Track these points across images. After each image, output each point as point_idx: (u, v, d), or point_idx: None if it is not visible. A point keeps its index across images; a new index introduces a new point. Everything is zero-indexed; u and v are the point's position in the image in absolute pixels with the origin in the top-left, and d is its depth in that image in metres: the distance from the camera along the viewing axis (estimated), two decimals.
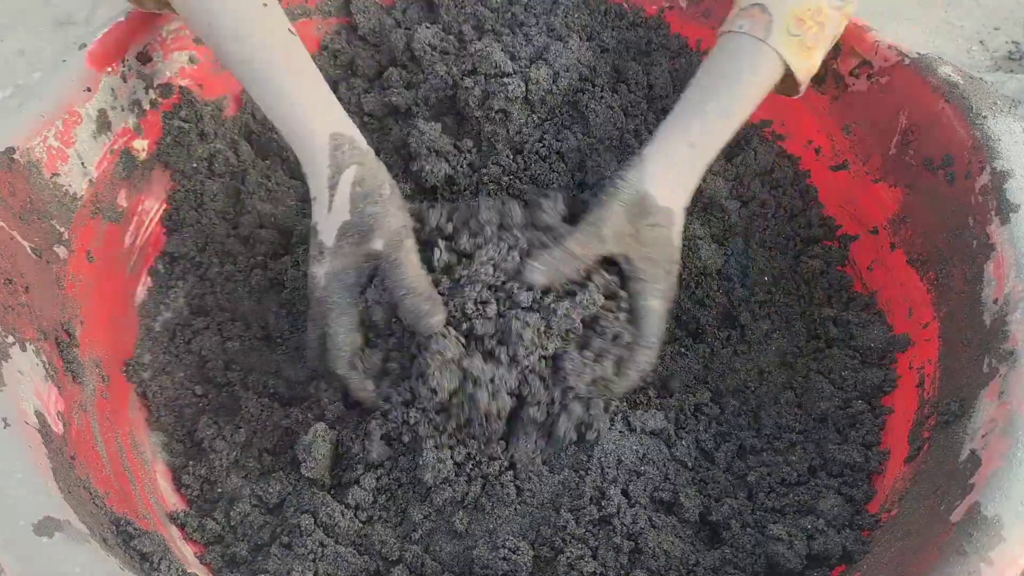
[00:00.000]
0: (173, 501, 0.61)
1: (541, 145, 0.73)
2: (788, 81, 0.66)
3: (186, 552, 0.57)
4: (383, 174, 0.64)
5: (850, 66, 0.72)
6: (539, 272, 0.61)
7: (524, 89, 0.71)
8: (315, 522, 0.57)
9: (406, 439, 0.60)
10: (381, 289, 0.62)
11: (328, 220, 0.62)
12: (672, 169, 0.64)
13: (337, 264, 0.62)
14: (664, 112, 0.77)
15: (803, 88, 0.67)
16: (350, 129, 0.63)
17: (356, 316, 0.62)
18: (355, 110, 0.79)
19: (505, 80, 0.71)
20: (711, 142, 0.65)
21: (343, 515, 0.57)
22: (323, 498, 0.58)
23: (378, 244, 0.61)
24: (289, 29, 0.63)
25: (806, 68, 0.65)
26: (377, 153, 0.65)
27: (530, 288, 0.61)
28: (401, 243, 0.62)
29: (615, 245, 0.63)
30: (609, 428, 0.62)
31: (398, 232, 0.62)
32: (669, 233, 0.65)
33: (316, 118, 0.62)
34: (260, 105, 0.63)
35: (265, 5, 0.62)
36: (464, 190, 0.74)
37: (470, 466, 0.60)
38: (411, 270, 0.61)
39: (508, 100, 0.71)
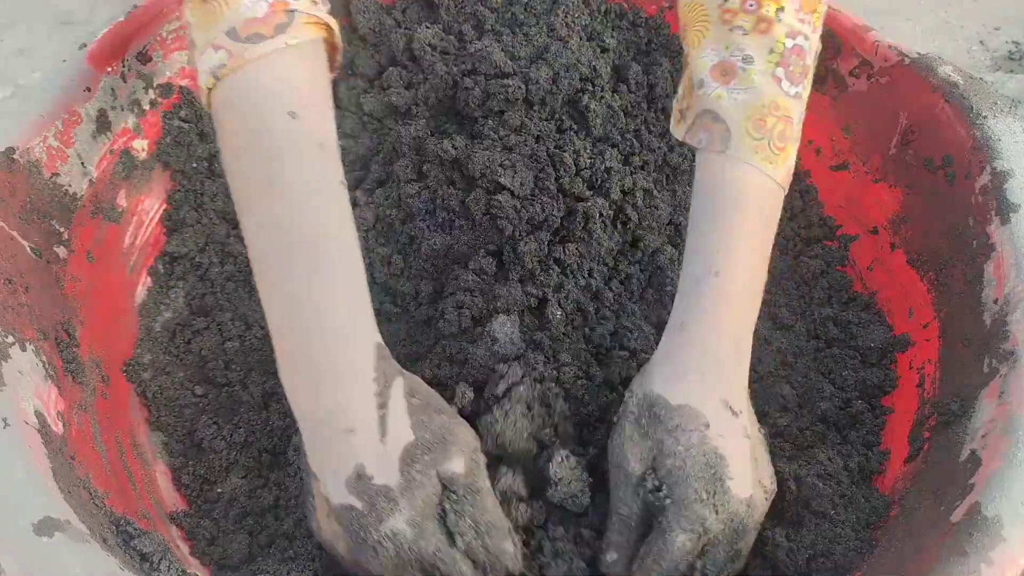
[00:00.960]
0: (173, 501, 0.61)
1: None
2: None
3: (186, 552, 0.57)
4: (424, 384, 0.52)
5: (850, 66, 0.72)
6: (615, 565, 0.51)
7: (524, 90, 0.71)
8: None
9: None
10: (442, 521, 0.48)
11: (384, 451, 0.47)
12: (680, 357, 0.52)
13: (417, 502, 0.46)
14: (664, 112, 0.77)
15: (784, 190, 0.54)
16: (379, 338, 0.49)
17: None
18: (355, 110, 0.78)
19: (505, 80, 0.71)
20: (710, 311, 0.51)
21: None
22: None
23: (458, 465, 0.48)
24: (341, 181, 0.49)
25: (782, 175, 0.52)
26: (376, 153, 0.63)
27: None
28: (479, 464, 0.50)
29: (642, 469, 0.50)
30: None
31: (475, 449, 0.50)
32: (701, 437, 0.49)
33: (357, 325, 0.48)
34: (266, 280, 0.47)
35: (321, 147, 0.48)
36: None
37: None
38: (492, 500, 0.49)
39: (508, 101, 0.71)
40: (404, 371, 0.50)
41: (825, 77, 0.74)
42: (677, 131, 0.55)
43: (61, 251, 0.60)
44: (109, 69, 0.66)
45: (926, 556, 0.45)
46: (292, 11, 0.47)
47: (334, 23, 0.51)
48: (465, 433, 0.51)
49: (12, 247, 0.55)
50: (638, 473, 0.51)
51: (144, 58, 0.69)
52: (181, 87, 0.73)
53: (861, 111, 0.73)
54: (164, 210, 0.72)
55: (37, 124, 0.60)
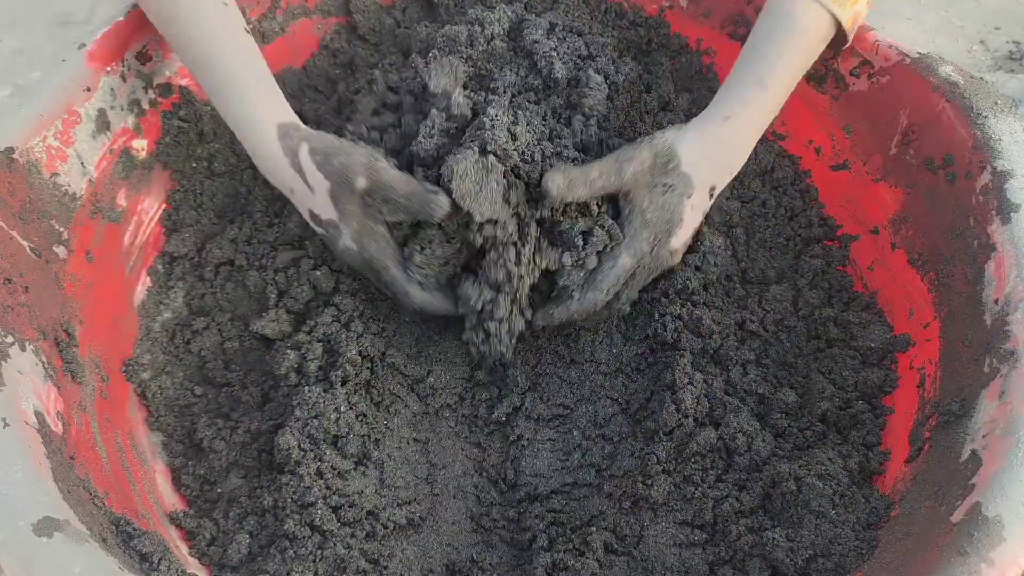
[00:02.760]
0: (172, 501, 0.61)
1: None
2: (837, 33, 0.65)
3: (185, 552, 0.57)
4: (328, 135, 0.65)
5: (850, 66, 0.72)
6: (556, 187, 0.60)
7: None
8: (311, 526, 0.57)
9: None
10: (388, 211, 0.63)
11: (317, 200, 0.63)
12: (706, 139, 0.64)
13: (353, 225, 0.62)
14: (664, 110, 0.77)
15: (851, 37, 0.65)
16: (291, 116, 0.65)
17: (399, 251, 0.64)
18: None
19: None
20: (749, 114, 0.64)
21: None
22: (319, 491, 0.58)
23: (361, 182, 0.61)
24: (245, 29, 0.66)
25: (851, 16, 0.63)
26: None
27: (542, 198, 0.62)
28: (375, 165, 0.61)
29: (630, 186, 0.63)
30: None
31: (368, 159, 0.62)
32: (679, 200, 0.63)
33: (264, 111, 0.64)
34: (213, 101, 0.65)
35: (225, 4, 0.65)
36: None
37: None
38: (394, 174, 0.61)
39: None
40: (309, 134, 0.64)
41: (825, 77, 0.74)
42: None
43: (61, 251, 0.60)
44: (109, 69, 0.66)
45: (926, 556, 0.45)
46: None
47: None
48: (356, 155, 0.62)
49: (12, 247, 0.55)
50: (626, 181, 0.63)
51: (144, 58, 0.69)
52: (181, 87, 0.73)
53: (862, 111, 0.72)
54: (164, 210, 0.72)
55: (37, 124, 0.60)
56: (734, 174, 0.66)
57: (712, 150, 0.64)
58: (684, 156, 0.63)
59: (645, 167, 0.63)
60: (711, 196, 0.65)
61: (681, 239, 0.65)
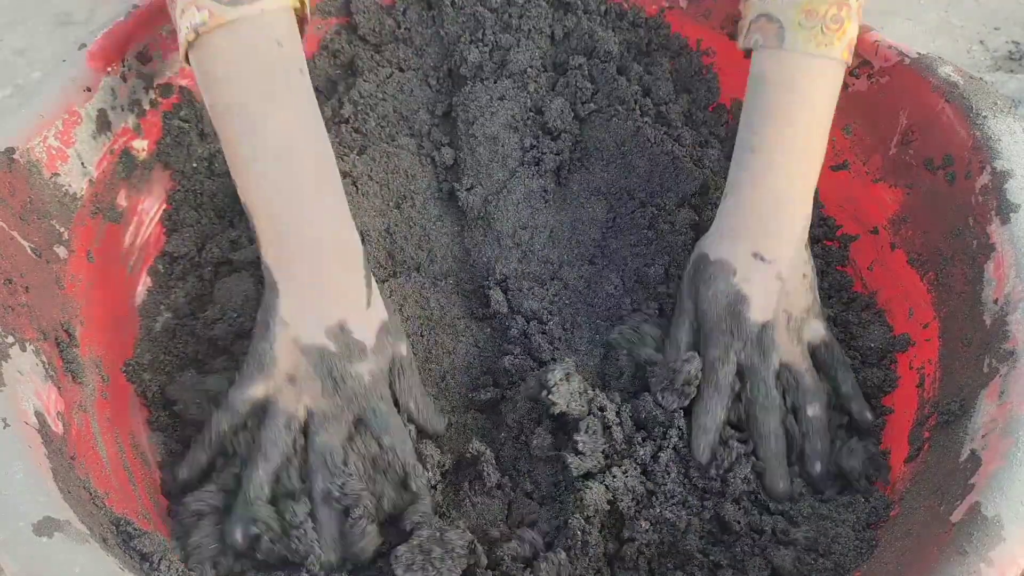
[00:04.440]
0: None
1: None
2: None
3: None
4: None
5: (850, 66, 0.72)
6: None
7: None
8: None
9: None
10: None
11: (367, 317, 0.59)
12: (719, 224, 0.64)
13: (382, 364, 0.59)
14: (665, 106, 0.77)
15: (850, 61, 0.62)
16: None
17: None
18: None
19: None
20: (749, 177, 0.62)
21: None
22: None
23: (403, 348, 0.61)
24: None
25: (839, 50, 0.60)
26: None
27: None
28: (412, 359, 0.61)
29: (697, 316, 0.63)
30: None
31: (409, 349, 0.62)
32: (725, 284, 0.62)
33: (349, 229, 0.59)
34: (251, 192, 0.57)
35: (301, 72, 0.57)
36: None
37: None
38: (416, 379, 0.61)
39: None
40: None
41: None
42: (740, 43, 0.64)
43: (61, 251, 0.60)
44: (109, 69, 0.66)
45: (926, 556, 0.45)
46: None
47: None
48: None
49: (12, 247, 0.55)
50: (690, 312, 0.64)
51: (144, 58, 0.69)
52: (181, 87, 0.73)
53: (861, 111, 0.72)
54: (164, 210, 0.72)
55: (37, 124, 0.60)
56: (773, 230, 0.62)
57: (726, 226, 0.64)
58: (708, 249, 0.64)
59: (690, 280, 0.64)
60: (763, 260, 0.61)
61: (760, 311, 0.61)
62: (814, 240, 0.76)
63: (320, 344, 0.57)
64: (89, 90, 0.64)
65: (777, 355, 0.62)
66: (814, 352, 0.64)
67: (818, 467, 0.60)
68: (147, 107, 0.70)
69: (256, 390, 0.57)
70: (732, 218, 0.63)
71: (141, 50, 0.69)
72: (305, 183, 0.56)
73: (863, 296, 0.72)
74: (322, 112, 0.75)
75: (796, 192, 0.62)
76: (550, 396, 0.58)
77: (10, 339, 0.51)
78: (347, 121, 0.76)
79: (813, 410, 0.61)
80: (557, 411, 0.58)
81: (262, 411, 0.57)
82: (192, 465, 0.58)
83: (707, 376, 0.61)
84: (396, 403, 0.60)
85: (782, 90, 0.61)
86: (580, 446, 0.58)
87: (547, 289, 0.70)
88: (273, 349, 0.57)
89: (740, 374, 0.61)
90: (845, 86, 0.73)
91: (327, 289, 0.58)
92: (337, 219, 0.58)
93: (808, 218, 0.63)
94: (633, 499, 0.57)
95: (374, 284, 0.60)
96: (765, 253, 0.62)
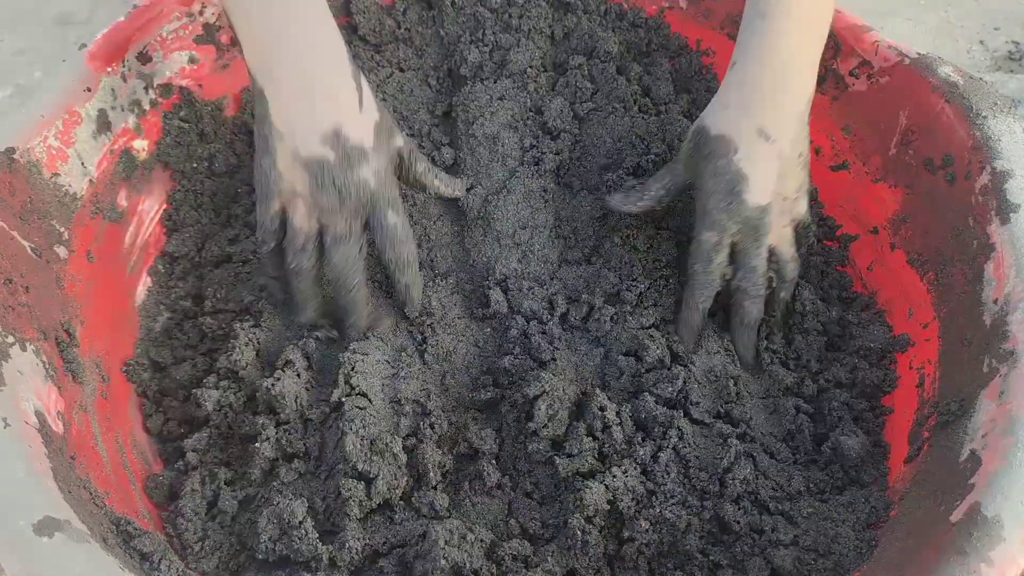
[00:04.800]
0: None
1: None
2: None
3: None
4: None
5: (850, 66, 0.72)
6: (614, 201, 0.67)
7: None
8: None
9: None
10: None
11: (361, 119, 0.59)
12: (723, 96, 0.63)
13: (383, 161, 0.61)
14: (665, 105, 0.77)
15: None
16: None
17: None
18: None
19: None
20: (756, 46, 0.59)
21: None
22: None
23: (399, 140, 0.62)
24: None
25: None
26: None
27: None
28: (413, 144, 0.64)
29: (690, 179, 0.64)
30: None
31: (406, 138, 0.64)
32: (725, 161, 0.61)
33: (333, 32, 0.59)
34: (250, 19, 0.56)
35: None
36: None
37: None
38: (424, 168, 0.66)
39: None
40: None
41: (825, 77, 0.74)
42: None
43: (61, 251, 0.60)
44: (109, 69, 0.66)
45: (926, 556, 0.45)
46: None
47: None
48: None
49: (12, 247, 0.55)
50: (680, 176, 0.65)
51: (144, 58, 0.69)
52: (181, 87, 0.73)
53: (861, 111, 0.72)
54: (164, 210, 0.72)
55: (37, 124, 0.60)
56: (779, 103, 0.61)
57: (731, 98, 0.62)
58: (710, 122, 0.63)
59: (689, 154, 0.64)
60: (767, 138, 0.60)
61: (759, 192, 0.62)
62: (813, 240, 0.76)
63: (319, 155, 0.57)
64: (89, 90, 0.64)
65: (768, 239, 0.63)
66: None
67: (775, 341, 0.67)
68: (147, 107, 0.70)
69: (274, 204, 0.60)
70: (737, 90, 0.61)
71: (141, 50, 0.69)
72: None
73: (863, 296, 0.72)
74: None
75: (803, 62, 0.60)
76: (536, 435, 0.61)
77: (10, 339, 0.51)
78: None
79: (785, 294, 0.67)
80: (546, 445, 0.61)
81: (283, 226, 0.61)
82: (271, 290, 0.66)
83: (699, 257, 0.64)
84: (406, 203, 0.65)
85: None
86: (568, 448, 0.60)
87: (547, 289, 0.70)
88: (277, 166, 0.59)
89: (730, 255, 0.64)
90: (845, 86, 0.73)
91: (317, 92, 0.57)
92: (319, 15, 0.57)
93: (812, 92, 0.62)
94: (633, 499, 0.57)
95: (364, 83, 0.60)
96: (769, 129, 0.60)
